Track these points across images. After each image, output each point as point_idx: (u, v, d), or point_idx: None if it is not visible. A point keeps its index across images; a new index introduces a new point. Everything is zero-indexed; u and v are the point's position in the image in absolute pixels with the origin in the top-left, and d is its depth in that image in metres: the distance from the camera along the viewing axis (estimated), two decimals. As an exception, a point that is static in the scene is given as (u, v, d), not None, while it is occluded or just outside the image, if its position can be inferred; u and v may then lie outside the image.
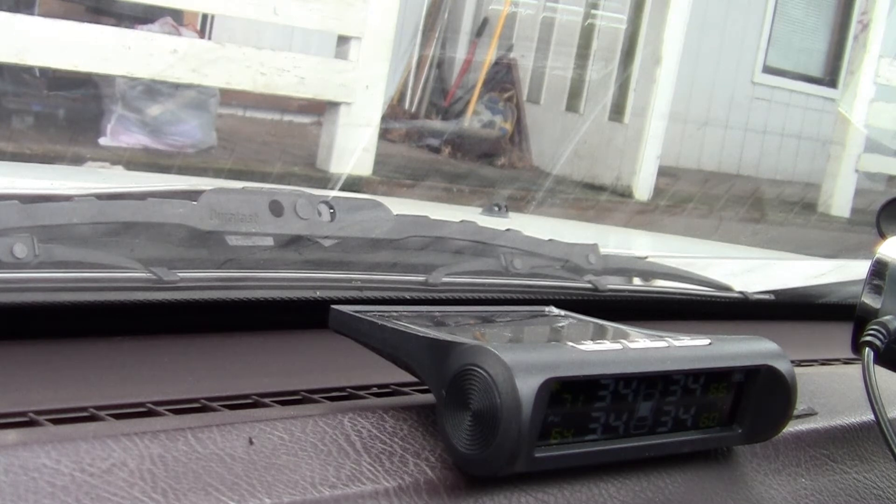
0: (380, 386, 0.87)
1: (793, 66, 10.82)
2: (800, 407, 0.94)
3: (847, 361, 1.21)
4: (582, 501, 0.76)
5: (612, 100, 8.10)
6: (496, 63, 8.72)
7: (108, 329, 0.92)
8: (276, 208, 1.08)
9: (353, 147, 6.03)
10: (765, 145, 10.45)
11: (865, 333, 0.93)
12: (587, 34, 8.36)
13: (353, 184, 5.65)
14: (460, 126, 8.43)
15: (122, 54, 5.19)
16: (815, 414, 0.99)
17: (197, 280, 0.99)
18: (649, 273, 1.42)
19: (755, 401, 0.84)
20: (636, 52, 7.97)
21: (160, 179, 2.31)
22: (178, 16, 6.12)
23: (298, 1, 5.61)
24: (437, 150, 8.09)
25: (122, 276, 0.95)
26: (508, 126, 8.48)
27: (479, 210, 1.82)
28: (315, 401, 0.82)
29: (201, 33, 6.69)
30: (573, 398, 0.73)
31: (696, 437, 0.83)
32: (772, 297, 1.44)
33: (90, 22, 5.51)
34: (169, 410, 0.76)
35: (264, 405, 0.80)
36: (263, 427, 0.71)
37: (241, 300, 0.99)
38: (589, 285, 1.25)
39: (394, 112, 8.27)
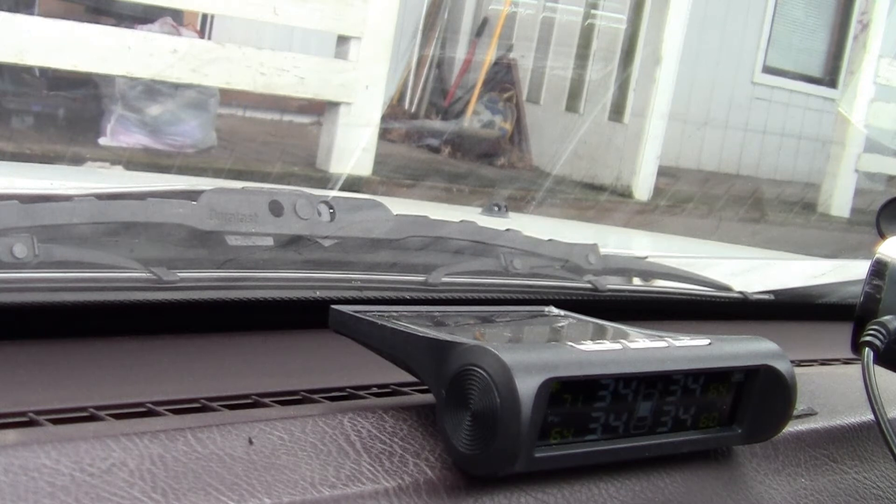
0: (380, 386, 0.87)
1: (793, 66, 10.82)
2: (800, 407, 0.94)
3: (847, 361, 1.21)
4: (582, 501, 0.76)
5: (611, 100, 8.10)
6: (496, 63, 8.72)
7: (108, 329, 0.92)
8: (275, 208, 1.08)
9: (353, 147, 6.03)
10: (765, 145, 10.45)
11: (865, 333, 0.93)
12: (587, 34, 8.36)
13: (352, 184, 5.64)
14: (460, 126, 8.43)
15: (122, 54, 5.19)
16: (815, 414, 0.99)
17: (197, 280, 0.99)
18: (649, 273, 1.42)
19: (755, 401, 0.84)
20: (636, 52, 7.97)
21: (160, 179, 2.31)
22: (178, 16, 6.12)
23: (298, 1, 5.61)
24: (436, 150, 8.09)
25: (122, 276, 0.95)
26: (508, 126, 8.48)
27: (479, 210, 1.82)
28: (315, 401, 0.82)
29: (201, 33, 6.69)
30: (573, 398, 0.73)
31: (696, 437, 0.83)
32: (771, 297, 1.44)
33: (90, 22, 5.51)
34: (169, 410, 0.76)
35: (264, 405, 0.80)
36: (263, 427, 0.71)
37: (241, 300, 0.99)
38: (589, 285, 1.25)
39: (394, 112, 8.27)
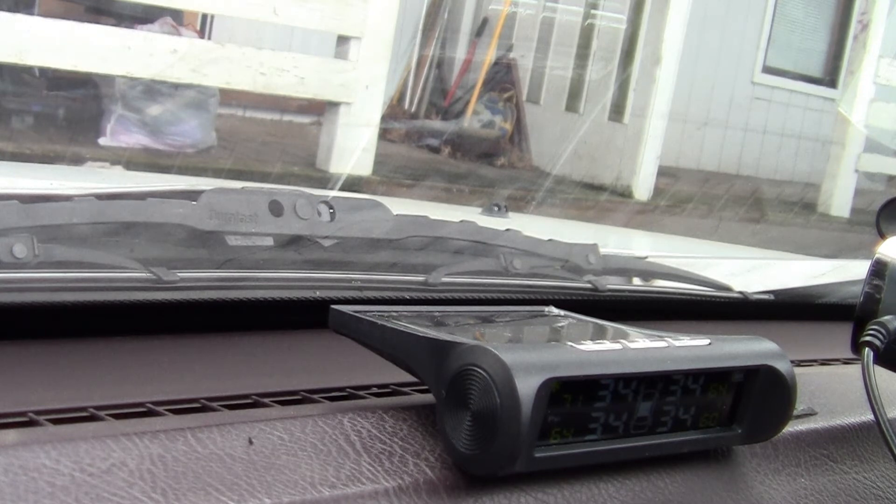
0: (380, 386, 0.87)
1: (793, 66, 10.82)
2: (800, 407, 0.94)
3: (847, 361, 1.21)
4: (582, 501, 0.76)
5: (611, 100, 8.10)
6: (496, 63, 8.72)
7: (108, 329, 0.92)
8: (275, 208, 1.08)
9: (353, 147, 6.03)
10: (765, 145, 10.45)
11: (865, 333, 0.93)
12: (587, 34, 8.36)
13: (352, 184, 5.65)
14: (460, 126, 8.43)
15: (122, 54, 5.20)
16: (815, 414, 0.99)
17: (197, 280, 0.99)
18: (649, 273, 1.42)
19: (755, 401, 0.84)
20: (636, 52, 7.97)
21: (160, 179, 2.31)
22: (178, 16, 6.12)
23: (298, 1, 5.62)
24: (436, 150, 8.09)
25: (122, 276, 0.95)
26: (508, 126, 8.48)
27: (479, 210, 1.82)
28: (315, 401, 0.82)
29: (201, 33, 6.69)
30: (573, 398, 0.73)
31: (696, 437, 0.83)
32: (771, 297, 1.44)
33: (90, 22, 5.51)
34: (169, 410, 0.76)
35: (264, 405, 0.80)
36: (263, 427, 0.71)
37: (241, 300, 0.99)
38: (589, 285, 1.25)
39: (394, 112, 8.27)
